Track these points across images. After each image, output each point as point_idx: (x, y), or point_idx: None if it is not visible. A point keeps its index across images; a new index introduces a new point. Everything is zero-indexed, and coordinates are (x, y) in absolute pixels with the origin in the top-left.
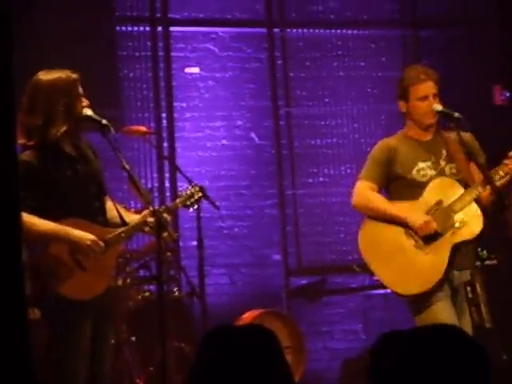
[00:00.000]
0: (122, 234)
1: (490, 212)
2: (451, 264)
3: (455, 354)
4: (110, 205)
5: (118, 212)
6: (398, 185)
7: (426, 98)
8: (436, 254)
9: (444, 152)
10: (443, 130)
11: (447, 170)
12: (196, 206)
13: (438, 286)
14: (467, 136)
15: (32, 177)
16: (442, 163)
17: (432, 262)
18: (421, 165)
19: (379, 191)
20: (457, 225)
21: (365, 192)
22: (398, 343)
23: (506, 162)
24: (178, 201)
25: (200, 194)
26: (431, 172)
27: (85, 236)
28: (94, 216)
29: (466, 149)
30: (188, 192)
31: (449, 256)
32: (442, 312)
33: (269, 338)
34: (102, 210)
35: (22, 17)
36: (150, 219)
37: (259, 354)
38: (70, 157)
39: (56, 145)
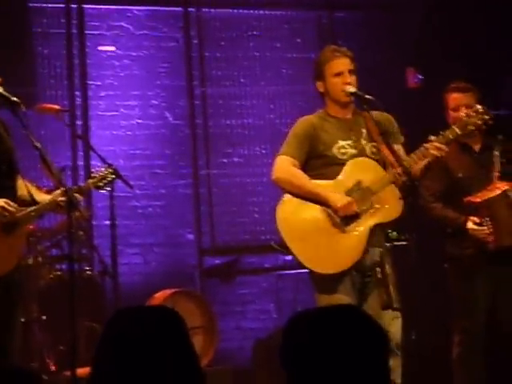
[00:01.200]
0: (32, 213)
1: (400, 194)
2: (369, 244)
3: (357, 334)
4: (21, 183)
5: (29, 191)
6: (318, 162)
7: (341, 73)
8: (354, 235)
9: (364, 131)
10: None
11: (368, 149)
12: (109, 188)
13: (350, 269)
14: (384, 117)
15: None
16: (363, 142)
17: (350, 243)
18: (341, 143)
19: (300, 168)
20: (376, 206)
21: (288, 168)
22: (307, 323)
23: (425, 145)
24: (89, 182)
25: (113, 176)
26: (352, 150)
27: None
28: (5, 195)
29: (381, 129)
30: (101, 173)
31: (367, 237)
32: (343, 298)
33: (173, 319)
34: (13, 188)
35: None
36: (62, 198)
37: (163, 336)
38: None
39: None
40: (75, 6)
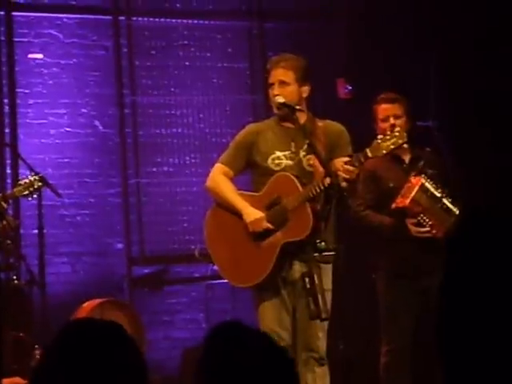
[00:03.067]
0: None
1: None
2: (281, 261)
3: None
4: None
5: None
6: (255, 172)
7: (272, 85)
8: (265, 250)
9: (306, 142)
10: (318, 119)
11: (305, 161)
12: (35, 196)
13: (266, 284)
14: (334, 128)
15: None
16: (302, 154)
17: (260, 258)
18: (278, 153)
19: (234, 176)
20: (288, 223)
21: (217, 177)
22: (227, 336)
23: (336, 167)
24: (15, 190)
25: (40, 184)
26: (287, 162)
27: None
28: None
29: (326, 140)
30: (27, 181)
31: (277, 254)
32: (267, 313)
33: (120, 332)
34: None
35: None
36: None
37: (115, 350)
38: None
39: None
40: (3, 13)
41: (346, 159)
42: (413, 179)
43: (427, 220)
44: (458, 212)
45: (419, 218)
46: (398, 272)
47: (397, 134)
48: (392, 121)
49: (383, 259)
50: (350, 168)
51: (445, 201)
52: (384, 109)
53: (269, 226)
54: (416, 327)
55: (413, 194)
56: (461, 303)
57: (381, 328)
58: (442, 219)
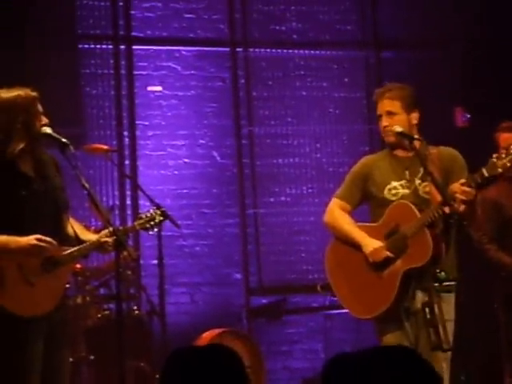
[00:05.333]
0: (75, 253)
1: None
2: (403, 290)
3: (404, 376)
4: (69, 223)
5: (74, 231)
6: (373, 203)
7: (380, 116)
8: (387, 280)
9: (421, 169)
10: (431, 146)
11: (421, 188)
12: (156, 230)
13: (388, 314)
14: (448, 153)
15: None
16: (417, 181)
17: (382, 289)
18: (394, 183)
19: (352, 210)
20: (408, 251)
21: (333, 211)
22: (345, 367)
23: (452, 190)
24: (136, 223)
25: (161, 218)
26: (403, 191)
27: (27, 238)
28: (49, 233)
29: (441, 166)
30: (148, 215)
31: (399, 283)
32: (389, 343)
33: (231, 357)
34: (58, 229)
35: None
36: (107, 239)
37: (222, 374)
38: (25, 176)
39: (12, 163)
40: (124, 47)
41: (463, 181)
42: None
43: None
44: None
45: None
46: None
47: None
48: None
49: (504, 290)
50: (467, 189)
51: None
52: (506, 138)
53: (388, 254)
54: None
55: None
56: None
57: (503, 358)
58: None
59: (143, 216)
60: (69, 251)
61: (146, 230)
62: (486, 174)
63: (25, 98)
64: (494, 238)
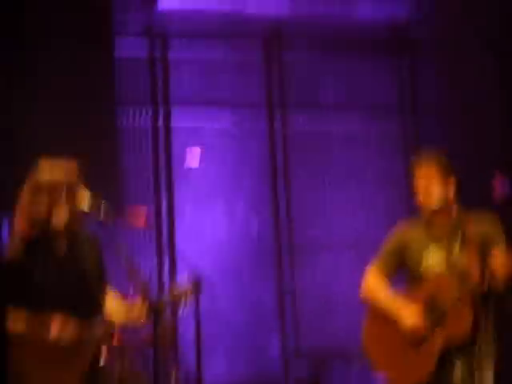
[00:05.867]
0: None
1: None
2: (443, 365)
3: None
4: (109, 305)
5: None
6: (409, 273)
7: (418, 184)
8: (425, 354)
9: (459, 236)
10: (470, 213)
11: (458, 259)
12: (188, 304)
13: None
14: (485, 219)
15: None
16: (455, 251)
17: (420, 362)
18: (430, 252)
19: (389, 280)
20: (446, 325)
21: (369, 283)
22: None
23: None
24: (169, 296)
25: (191, 293)
26: (441, 261)
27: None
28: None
29: (478, 235)
30: (182, 290)
31: (436, 358)
32: None
33: None
34: (90, 310)
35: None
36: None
37: None
38: (57, 257)
39: (49, 241)
40: (162, 125)
41: (505, 255)
42: None
43: None
44: None
45: None
46: None
47: None
48: None
49: None
50: (509, 262)
51: None
52: None
53: (426, 330)
54: None
55: None
56: None
57: None
58: None
59: (176, 290)
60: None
61: (178, 304)
62: None
63: (67, 177)
64: None
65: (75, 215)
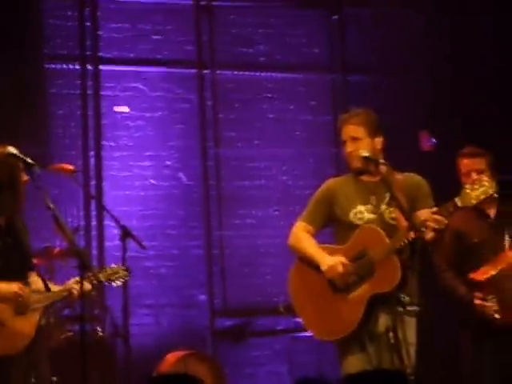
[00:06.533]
0: (44, 299)
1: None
2: (367, 314)
3: None
4: (35, 279)
5: (44, 281)
6: (337, 226)
7: (344, 142)
8: (352, 303)
9: (387, 195)
10: (396, 171)
11: (387, 214)
12: (119, 284)
13: (351, 337)
14: (413, 180)
15: None
16: (383, 207)
17: (347, 312)
18: (360, 207)
19: (316, 232)
20: (376, 275)
21: (297, 234)
22: None
23: (425, 218)
24: (100, 275)
25: (126, 274)
26: (369, 215)
27: (9, 286)
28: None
29: (406, 193)
30: (114, 269)
31: (365, 307)
32: (350, 366)
33: None
34: (25, 279)
35: None
36: (75, 286)
37: None
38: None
39: None
40: (91, 67)
41: (435, 209)
42: (509, 252)
43: (496, 303)
44: None
45: (489, 297)
46: (482, 333)
47: (486, 183)
48: (474, 176)
49: (467, 318)
50: (439, 218)
51: None
52: (465, 164)
53: (342, 269)
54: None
55: (494, 273)
56: None
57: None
58: None
59: (107, 269)
60: (39, 297)
61: (110, 282)
62: (460, 204)
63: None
64: (454, 264)
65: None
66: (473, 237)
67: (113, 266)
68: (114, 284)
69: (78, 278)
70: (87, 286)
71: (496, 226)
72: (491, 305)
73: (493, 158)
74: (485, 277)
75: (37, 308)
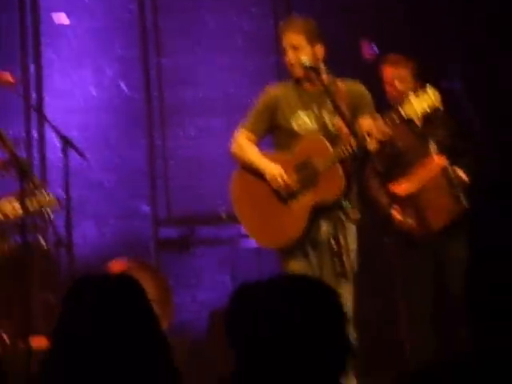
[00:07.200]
0: None
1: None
2: (311, 221)
3: (307, 301)
4: None
5: None
6: (279, 134)
7: (285, 50)
8: (296, 212)
9: (329, 103)
10: (339, 80)
11: (329, 123)
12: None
13: (295, 244)
14: (354, 87)
15: None
16: (325, 115)
17: (291, 220)
18: (301, 115)
19: (258, 140)
20: (319, 184)
21: (240, 141)
22: (250, 297)
23: (370, 129)
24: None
25: (52, 206)
26: (312, 124)
27: None
28: None
29: (348, 100)
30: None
31: (308, 215)
32: (296, 269)
33: (135, 286)
34: None
35: None
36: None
37: (125, 302)
38: None
39: None
40: None
41: (379, 120)
42: (436, 157)
43: (415, 216)
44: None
45: (408, 210)
46: (409, 239)
47: (432, 95)
48: (397, 84)
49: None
50: (384, 128)
51: (459, 189)
52: (389, 72)
53: (298, 187)
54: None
55: (413, 190)
56: None
57: (398, 289)
58: (446, 208)
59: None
60: None
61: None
62: (405, 116)
63: None
64: (379, 171)
65: None
66: (398, 142)
67: (46, 193)
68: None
69: (10, 198)
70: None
71: (421, 131)
72: (409, 221)
73: (418, 65)
74: (405, 193)
75: None
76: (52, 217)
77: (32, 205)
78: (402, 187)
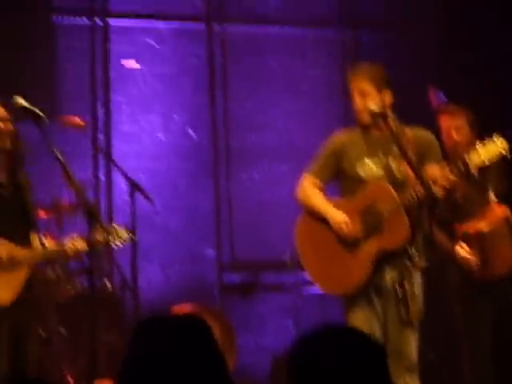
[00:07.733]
0: (35, 255)
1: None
2: (375, 268)
3: (356, 355)
4: (36, 242)
5: (41, 241)
6: (345, 180)
7: (353, 96)
8: (360, 258)
9: (395, 149)
10: (406, 127)
11: (395, 169)
12: (119, 244)
13: (359, 291)
14: (423, 134)
15: None
16: (391, 161)
17: (355, 266)
18: (367, 160)
19: (324, 186)
20: (385, 231)
21: (305, 187)
22: (313, 345)
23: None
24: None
25: (123, 238)
26: (378, 171)
27: None
28: (7, 238)
29: (415, 147)
30: (115, 228)
31: (372, 262)
32: (357, 320)
33: (203, 327)
34: (25, 239)
35: None
36: (70, 246)
37: (193, 343)
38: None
39: None
40: (100, 21)
41: (445, 167)
42: (496, 207)
43: (479, 257)
44: None
45: (474, 250)
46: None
47: (499, 144)
48: (453, 134)
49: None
50: (450, 177)
51: None
52: (445, 121)
53: (362, 235)
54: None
55: (484, 229)
56: None
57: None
58: (509, 256)
59: (112, 229)
60: (30, 253)
61: (107, 243)
62: (470, 166)
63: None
64: (443, 221)
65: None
66: (455, 192)
67: (117, 226)
68: (113, 244)
69: (73, 236)
70: (82, 244)
71: (480, 180)
72: (474, 259)
73: (473, 115)
74: (474, 231)
75: (25, 264)
76: (118, 261)
77: (100, 236)
78: (472, 226)
